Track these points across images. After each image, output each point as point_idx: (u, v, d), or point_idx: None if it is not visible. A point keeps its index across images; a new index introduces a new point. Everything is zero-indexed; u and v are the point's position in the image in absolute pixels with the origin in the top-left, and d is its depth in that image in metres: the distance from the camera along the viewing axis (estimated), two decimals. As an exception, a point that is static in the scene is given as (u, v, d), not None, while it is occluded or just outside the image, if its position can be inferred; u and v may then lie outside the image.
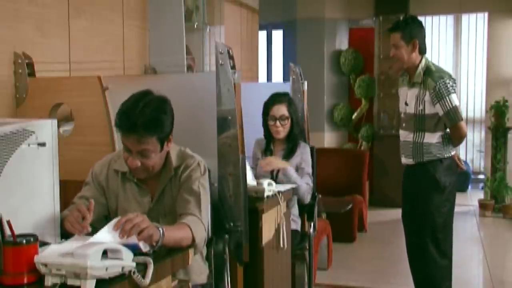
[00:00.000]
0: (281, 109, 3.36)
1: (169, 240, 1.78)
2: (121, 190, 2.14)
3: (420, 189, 3.37)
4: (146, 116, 1.94)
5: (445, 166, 3.32)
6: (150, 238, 1.70)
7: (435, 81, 3.22)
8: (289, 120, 3.36)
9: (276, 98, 3.40)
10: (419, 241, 3.39)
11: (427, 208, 3.33)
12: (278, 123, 3.35)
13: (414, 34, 3.31)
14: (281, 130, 3.36)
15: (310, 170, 3.40)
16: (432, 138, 3.30)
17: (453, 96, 3.22)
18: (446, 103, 3.21)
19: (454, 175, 3.39)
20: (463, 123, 3.28)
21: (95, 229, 1.76)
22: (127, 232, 1.66)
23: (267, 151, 3.46)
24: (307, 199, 3.39)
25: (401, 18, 3.49)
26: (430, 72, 3.27)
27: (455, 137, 3.32)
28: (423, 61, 3.32)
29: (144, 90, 2.05)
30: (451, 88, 3.22)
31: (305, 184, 3.32)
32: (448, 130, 3.33)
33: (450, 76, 3.28)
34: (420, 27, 3.37)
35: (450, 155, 3.35)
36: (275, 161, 3.29)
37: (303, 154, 3.39)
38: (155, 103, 2.00)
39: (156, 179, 2.12)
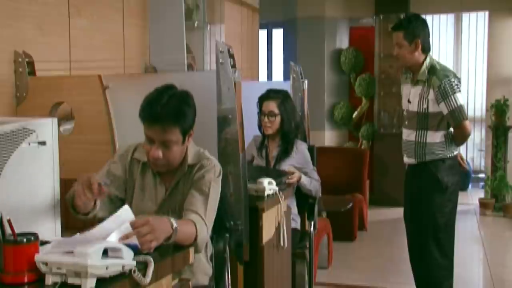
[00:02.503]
0: (271, 106, 3.36)
1: (179, 237, 1.78)
2: (139, 178, 2.16)
3: (422, 189, 3.35)
4: (170, 107, 1.98)
5: (448, 166, 3.30)
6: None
7: (440, 80, 3.19)
8: (279, 117, 3.36)
9: (268, 94, 3.41)
10: (420, 241, 3.37)
11: (429, 208, 3.31)
12: (266, 118, 3.36)
13: (417, 32, 3.27)
14: (269, 126, 3.37)
15: (311, 165, 3.44)
16: (435, 137, 3.28)
17: (458, 95, 3.20)
18: (451, 102, 3.18)
19: (457, 175, 3.37)
20: (467, 122, 3.25)
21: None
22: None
23: (262, 147, 3.46)
24: (319, 193, 3.49)
25: (405, 16, 3.46)
26: (435, 70, 3.25)
27: (458, 136, 3.29)
28: (428, 59, 3.29)
29: (168, 84, 2.09)
30: (456, 87, 3.19)
31: (315, 182, 3.41)
32: (451, 129, 3.30)
33: (455, 75, 3.26)
34: (424, 25, 3.33)
35: (452, 155, 3.33)
36: (297, 173, 3.29)
37: (300, 152, 3.40)
38: (179, 95, 2.05)
39: (172, 173, 2.14)
